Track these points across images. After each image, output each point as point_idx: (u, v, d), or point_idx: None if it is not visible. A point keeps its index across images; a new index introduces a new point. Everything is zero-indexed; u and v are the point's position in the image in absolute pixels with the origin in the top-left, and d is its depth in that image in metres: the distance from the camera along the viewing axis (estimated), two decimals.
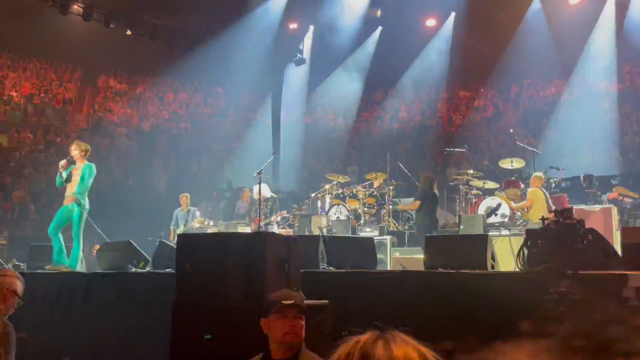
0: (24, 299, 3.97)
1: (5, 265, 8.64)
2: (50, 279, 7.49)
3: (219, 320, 3.99)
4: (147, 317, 6.28)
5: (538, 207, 9.45)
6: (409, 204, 11.53)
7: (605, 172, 13.82)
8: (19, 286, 3.85)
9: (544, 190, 10.07)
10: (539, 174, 10.49)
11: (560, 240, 4.62)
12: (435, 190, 11.30)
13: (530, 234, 4.97)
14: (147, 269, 8.00)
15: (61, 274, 7.86)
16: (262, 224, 11.01)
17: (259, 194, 10.03)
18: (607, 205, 9.96)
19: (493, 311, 5.02)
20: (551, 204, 9.80)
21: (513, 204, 10.82)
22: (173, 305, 4.16)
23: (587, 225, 8.03)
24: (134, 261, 7.89)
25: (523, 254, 5.09)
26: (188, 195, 12.29)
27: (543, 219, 4.99)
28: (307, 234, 10.60)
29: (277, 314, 3.29)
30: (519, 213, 10.54)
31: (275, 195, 12.02)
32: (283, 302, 3.32)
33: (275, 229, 11.15)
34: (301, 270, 5.01)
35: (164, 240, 8.66)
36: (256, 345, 3.42)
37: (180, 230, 11.70)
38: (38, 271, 8.16)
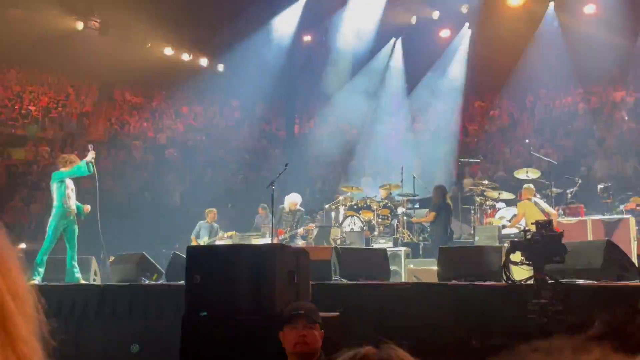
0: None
1: None
2: (64, 292, 7.52)
3: (228, 332, 3.98)
4: (159, 330, 6.28)
5: (531, 218, 9.33)
6: (424, 215, 11.47)
7: (622, 182, 13.65)
8: None
9: (536, 200, 10.00)
10: (528, 185, 10.45)
11: (542, 252, 4.57)
12: (449, 201, 11.23)
13: (514, 246, 4.91)
14: (161, 281, 8.03)
15: (75, 286, 7.91)
16: (286, 235, 11.10)
17: (271, 205, 10.03)
18: (625, 216, 9.82)
19: (507, 324, 4.95)
20: (549, 210, 9.72)
21: (508, 223, 10.76)
22: (182, 318, 4.16)
23: (603, 236, 7.95)
24: (147, 273, 7.93)
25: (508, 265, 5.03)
26: (215, 211, 12.46)
27: (525, 230, 4.94)
28: (325, 245, 10.61)
29: (289, 325, 3.36)
30: None
31: (302, 209, 12.01)
32: (292, 312, 3.36)
33: (299, 242, 11.20)
34: (312, 283, 4.98)
35: (177, 252, 8.69)
36: (266, 357, 3.40)
37: (204, 241, 11.85)
38: (53, 283, 8.22)
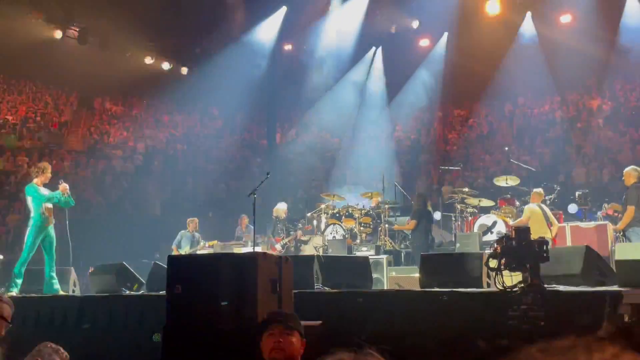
0: (15, 323, 3.93)
1: None
2: (43, 303, 7.42)
3: (210, 342, 3.95)
4: (140, 340, 6.21)
5: (535, 223, 9.43)
6: (405, 223, 11.52)
7: (600, 189, 13.86)
8: (7, 310, 3.81)
9: (543, 206, 10.05)
10: (538, 190, 10.50)
11: (524, 258, 4.61)
12: (430, 209, 11.30)
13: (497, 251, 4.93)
14: (141, 291, 7.95)
15: (54, 297, 7.80)
16: (285, 241, 11.32)
17: (253, 214, 9.99)
18: (602, 222, 9.95)
19: (489, 330, 4.98)
20: (553, 219, 9.80)
21: (510, 222, 10.79)
22: (163, 328, 4.12)
23: (582, 242, 8.06)
24: (128, 284, 7.85)
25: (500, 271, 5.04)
26: (197, 220, 12.43)
27: (505, 235, 4.97)
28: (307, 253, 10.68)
29: (267, 333, 3.30)
30: None
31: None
32: (269, 319, 3.36)
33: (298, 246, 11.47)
34: (295, 291, 4.97)
35: (158, 262, 8.61)
36: None
37: (185, 251, 11.81)
38: (31, 295, 8.10)
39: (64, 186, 8.47)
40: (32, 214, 8.32)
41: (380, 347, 1.12)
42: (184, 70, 20.04)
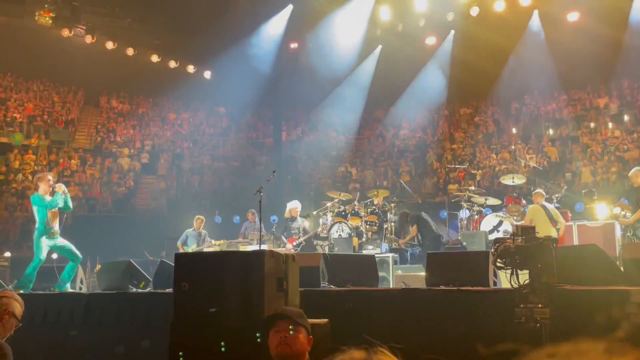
0: (23, 320, 3.95)
1: (6, 287, 8.62)
2: (50, 300, 7.45)
3: (217, 340, 3.96)
4: (147, 338, 6.23)
5: (539, 223, 9.41)
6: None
7: (607, 187, 13.81)
8: (17, 308, 3.82)
9: (547, 205, 10.02)
10: (539, 190, 10.48)
11: (530, 257, 4.59)
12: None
13: (503, 250, 4.91)
14: (148, 289, 7.97)
15: (61, 294, 7.83)
16: (301, 240, 11.36)
17: (259, 212, 10.02)
18: (609, 221, 9.91)
19: (495, 329, 4.98)
20: (558, 217, 9.77)
21: (515, 224, 10.77)
22: (170, 325, 4.13)
23: (589, 240, 8.04)
24: (135, 281, 7.86)
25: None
26: (203, 218, 12.45)
27: (512, 234, 4.95)
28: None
29: (273, 329, 3.31)
30: None
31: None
32: (274, 316, 3.37)
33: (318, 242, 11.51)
34: (301, 289, 4.97)
35: (164, 259, 8.63)
36: None
37: (192, 249, 11.83)
38: (38, 292, 8.14)
39: (59, 185, 8.46)
40: (36, 225, 8.31)
41: (392, 346, 1.12)
42: (191, 69, 20.05)
